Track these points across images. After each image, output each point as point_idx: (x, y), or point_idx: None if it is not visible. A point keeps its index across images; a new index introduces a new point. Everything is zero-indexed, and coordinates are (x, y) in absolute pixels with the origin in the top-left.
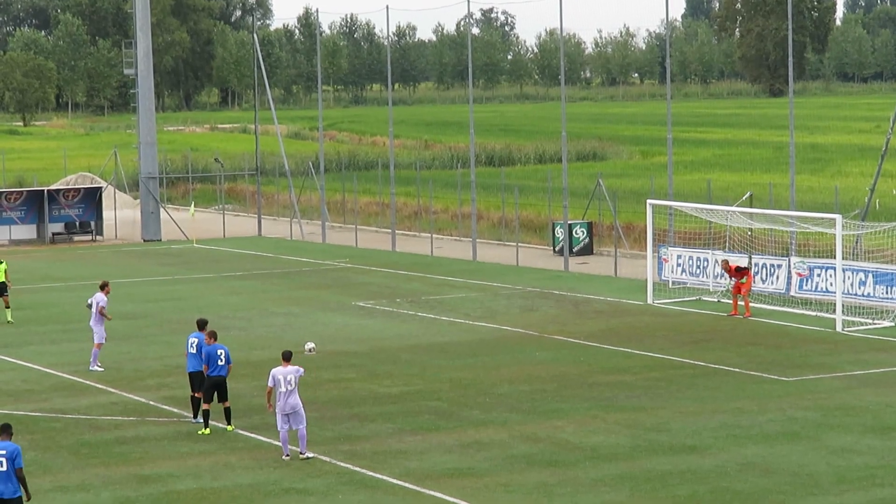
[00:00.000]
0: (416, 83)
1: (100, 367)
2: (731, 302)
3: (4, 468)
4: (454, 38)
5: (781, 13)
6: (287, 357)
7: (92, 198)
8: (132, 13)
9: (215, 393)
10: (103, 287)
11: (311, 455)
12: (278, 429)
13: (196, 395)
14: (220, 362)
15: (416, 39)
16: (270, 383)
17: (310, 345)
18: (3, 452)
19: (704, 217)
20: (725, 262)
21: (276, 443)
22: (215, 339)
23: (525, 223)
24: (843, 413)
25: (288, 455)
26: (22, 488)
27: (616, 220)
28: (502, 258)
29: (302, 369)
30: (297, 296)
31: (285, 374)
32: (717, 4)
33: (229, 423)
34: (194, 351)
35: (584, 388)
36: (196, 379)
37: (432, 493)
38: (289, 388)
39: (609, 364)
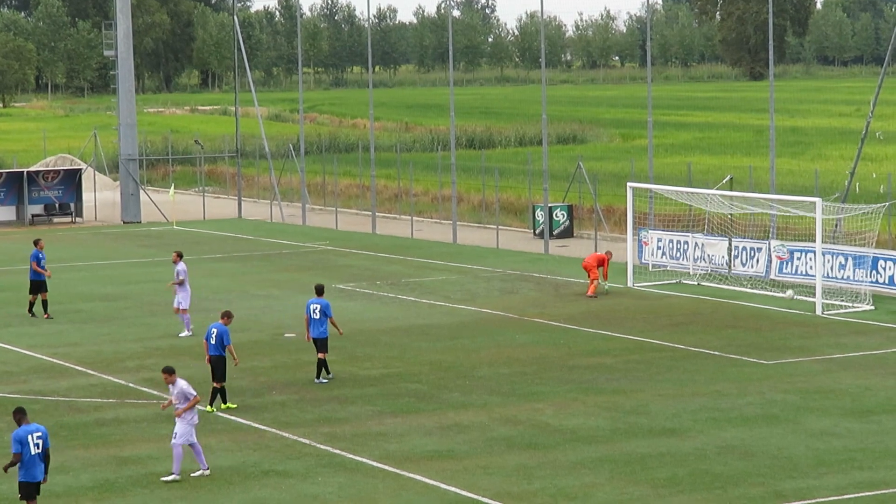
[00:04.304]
0: (397, 66)
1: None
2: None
3: (41, 451)
4: (435, 20)
5: None
6: (170, 371)
7: (71, 179)
8: None
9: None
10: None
11: (208, 472)
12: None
13: (321, 356)
14: (212, 341)
15: (397, 22)
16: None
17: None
18: (39, 434)
19: (685, 200)
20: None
21: (256, 425)
22: (223, 320)
23: (505, 206)
24: (822, 396)
25: (207, 469)
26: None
27: (596, 202)
28: (482, 241)
29: (189, 390)
30: (277, 278)
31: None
32: None
33: (211, 405)
34: (317, 317)
35: (564, 370)
36: (318, 344)
37: (412, 475)
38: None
39: (589, 347)
